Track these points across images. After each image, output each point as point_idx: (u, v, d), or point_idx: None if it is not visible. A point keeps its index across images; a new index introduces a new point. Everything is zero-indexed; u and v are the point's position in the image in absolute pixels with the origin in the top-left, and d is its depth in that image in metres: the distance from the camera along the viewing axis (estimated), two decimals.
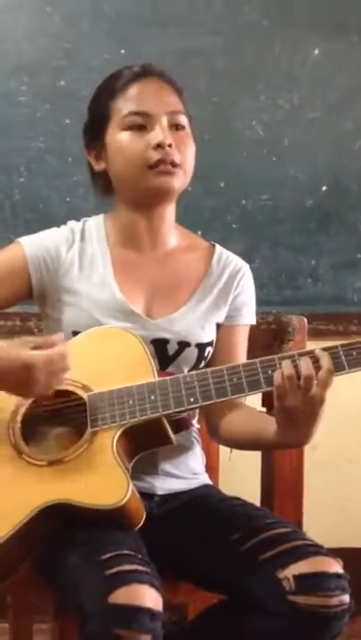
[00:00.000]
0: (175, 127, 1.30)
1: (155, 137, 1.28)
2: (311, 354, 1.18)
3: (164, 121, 1.30)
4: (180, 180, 1.30)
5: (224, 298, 1.37)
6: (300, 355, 1.19)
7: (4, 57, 2.03)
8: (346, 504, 2.17)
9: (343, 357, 1.17)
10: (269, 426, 1.23)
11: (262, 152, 2.14)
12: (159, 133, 1.28)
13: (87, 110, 1.38)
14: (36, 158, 2.05)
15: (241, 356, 1.39)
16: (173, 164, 1.28)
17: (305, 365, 1.17)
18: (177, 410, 1.20)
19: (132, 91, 1.31)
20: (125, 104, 1.31)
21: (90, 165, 1.38)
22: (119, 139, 1.30)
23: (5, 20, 2.03)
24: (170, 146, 1.28)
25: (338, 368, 1.17)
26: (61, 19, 2.05)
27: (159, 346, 1.31)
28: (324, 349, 1.18)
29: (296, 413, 1.18)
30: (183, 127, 1.32)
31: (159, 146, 1.28)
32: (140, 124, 1.29)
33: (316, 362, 1.17)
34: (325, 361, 1.17)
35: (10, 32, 2.03)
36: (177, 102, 1.33)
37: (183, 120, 1.32)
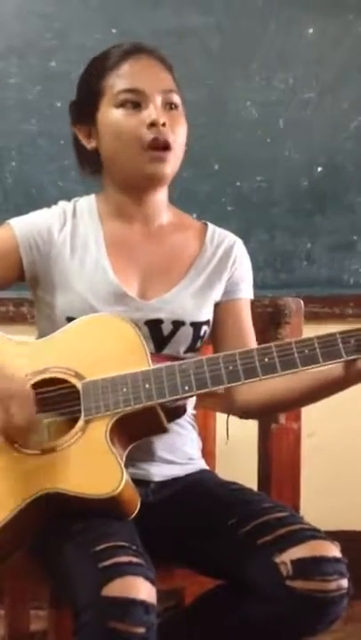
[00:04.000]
0: (169, 106, 1.29)
1: (149, 115, 1.27)
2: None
3: (158, 100, 1.28)
4: (171, 165, 1.29)
5: (219, 275, 1.36)
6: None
7: None
8: (343, 489, 2.17)
9: (341, 345, 1.16)
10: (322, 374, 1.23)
11: (257, 133, 2.12)
12: (153, 112, 1.27)
13: (77, 88, 1.35)
14: (28, 141, 2.02)
15: (250, 330, 1.37)
16: (166, 145, 1.27)
17: None
18: (171, 398, 1.19)
19: (125, 68, 1.29)
20: (118, 81, 1.29)
21: (76, 144, 1.36)
22: (112, 116, 1.28)
23: None
24: (163, 125, 1.27)
25: (336, 356, 1.16)
26: None
27: (153, 327, 1.29)
28: (321, 337, 1.17)
29: None
30: (177, 106, 1.30)
31: (153, 124, 1.26)
32: (134, 102, 1.28)
33: None
34: None
35: None
36: (170, 81, 1.31)
37: (177, 99, 1.30)
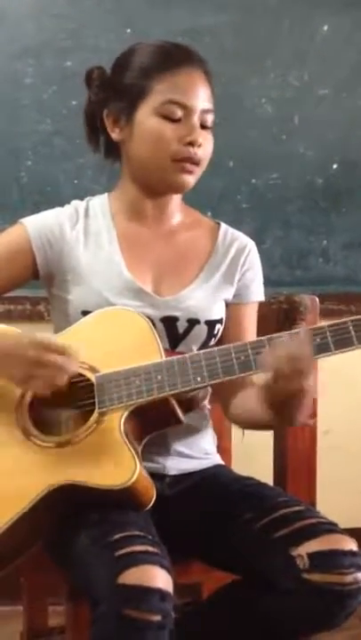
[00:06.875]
0: (203, 126, 1.29)
1: (189, 133, 1.27)
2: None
3: (197, 117, 1.28)
4: (196, 177, 1.31)
5: (231, 275, 1.36)
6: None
7: (8, 39, 2.02)
8: (359, 486, 2.16)
9: (353, 333, 1.15)
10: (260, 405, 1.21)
11: (272, 130, 2.12)
12: (193, 131, 1.27)
13: (123, 63, 1.31)
14: (44, 141, 2.03)
15: (252, 332, 1.38)
16: (197, 162, 1.29)
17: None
18: (184, 389, 1.19)
19: (178, 78, 1.28)
20: (168, 90, 1.27)
21: (97, 121, 1.33)
22: (153, 122, 1.28)
23: (8, 0, 2.01)
24: (200, 145, 1.28)
25: (348, 344, 1.15)
26: None
27: (169, 324, 1.30)
28: (333, 324, 1.16)
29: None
30: (210, 127, 1.31)
31: (190, 144, 1.27)
32: (178, 116, 1.27)
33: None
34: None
35: (13, 13, 2.01)
36: (210, 100, 1.31)
37: (211, 120, 1.31)
